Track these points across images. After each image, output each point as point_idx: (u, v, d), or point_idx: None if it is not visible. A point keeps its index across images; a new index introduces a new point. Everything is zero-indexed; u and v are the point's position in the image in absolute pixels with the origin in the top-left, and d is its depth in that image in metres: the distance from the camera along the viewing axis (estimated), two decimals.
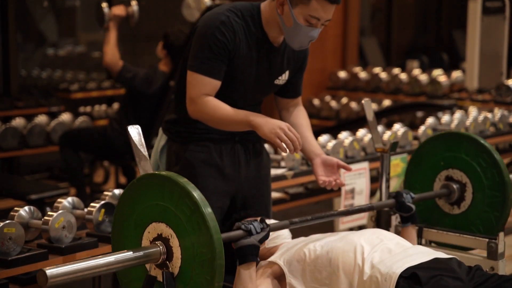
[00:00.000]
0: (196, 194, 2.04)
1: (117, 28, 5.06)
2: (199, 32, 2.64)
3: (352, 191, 3.82)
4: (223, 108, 2.62)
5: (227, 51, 2.62)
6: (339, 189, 3.79)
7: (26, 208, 2.79)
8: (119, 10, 5.03)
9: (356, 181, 3.84)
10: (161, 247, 2.10)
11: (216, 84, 2.63)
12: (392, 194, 2.87)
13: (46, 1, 7.43)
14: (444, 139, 3.04)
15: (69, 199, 2.93)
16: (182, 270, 2.08)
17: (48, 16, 7.53)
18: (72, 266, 1.94)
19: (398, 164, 4.08)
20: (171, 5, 7.85)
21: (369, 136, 4.28)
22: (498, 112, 5.22)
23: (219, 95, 2.67)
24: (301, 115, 2.91)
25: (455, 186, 2.99)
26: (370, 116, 2.94)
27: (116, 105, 6.84)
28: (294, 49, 2.70)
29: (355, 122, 6.37)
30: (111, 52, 5.00)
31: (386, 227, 2.99)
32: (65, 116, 6.01)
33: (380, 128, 4.61)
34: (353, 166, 3.84)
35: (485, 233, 2.92)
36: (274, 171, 3.74)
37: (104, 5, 5.01)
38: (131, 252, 2.08)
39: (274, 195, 3.92)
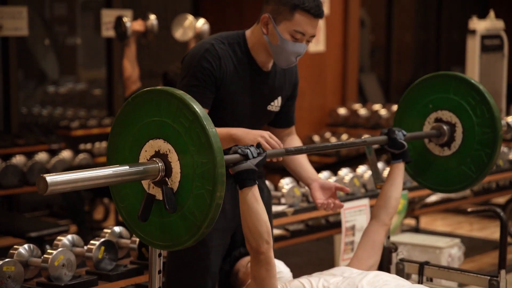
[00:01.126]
0: (195, 105, 2.03)
1: (136, 43, 5.08)
2: (186, 61, 2.70)
3: (352, 227, 3.81)
4: None
5: (213, 78, 2.65)
6: (340, 226, 3.78)
7: (26, 246, 2.78)
8: (138, 25, 5.05)
9: (357, 217, 3.83)
10: (159, 164, 2.07)
11: None
12: (384, 131, 2.87)
13: (47, 39, 7.49)
14: (431, 81, 3.04)
15: (69, 236, 2.92)
16: (182, 184, 2.06)
17: (49, 54, 7.58)
18: (71, 175, 1.92)
19: None
20: (172, 42, 7.91)
21: (369, 172, 4.28)
22: None
23: (216, 125, 2.69)
24: (295, 143, 2.94)
25: (445, 127, 2.98)
26: (370, 153, 2.94)
27: None
28: (282, 67, 2.73)
29: (355, 158, 6.37)
30: (132, 67, 5.02)
31: (387, 264, 2.97)
32: (66, 154, 6.02)
33: (380, 164, 4.61)
34: (354, 203, 3.83)
35: (476, 171, 2.92)
36: (274, 208, 3.74)
37: (126, 19, 5.02)
38: (128, 167, 2.04)
39: (274, 232, 3.90)
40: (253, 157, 2.32)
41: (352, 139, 3.04)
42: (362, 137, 4.21)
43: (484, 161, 2.91)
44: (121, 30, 5.03)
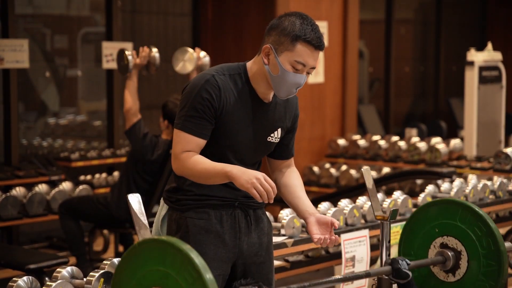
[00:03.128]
0: (199, 261, 2.04)
1: (137, 75, 5.11)
2: (186, 92, 2.71)
3: (352, 259, 3.80)
4: (203, 162, 2.66)
5: (213, 109, 2.66)
6: (340, 257, 3.77)
7: (25, 278, 2.77)
8: (141, 57, 5.08)
9: (357, 248, 3.83)
10: None
11: (200, 142, 2.68)
12: (388, 261, 2.86)
13: (48, 71, 7.53)
14: (438, 206, 3.03)
15: (68, 268, 2.91)
16: None
17: (50, 86, 7.62)
18: None
19: (398, 231, 4.07)
20: (171, 74, 7.96)
21: (368, 203, 4.28)
22: (497, 180, 5.23)
23: (216, 156, 2.71)
24: (294, 176, 2.94)
25: (450, 253, 2.97)
26: (369, 184, 2.95)
27: (116, 174, 6.85)
28: (282, 98, 2.75)
29: (354, 189, 6.37)
30: (132, 101, 5.04)
31: None
32: (65, 185, 6.02)
33: (379, 195, 4.61)
34: (353, 234, 3.83)
35: None
36: (274, 239, 3.73)
37: (129, 53, 5.06)
38: None
39: (274, 263, 3.89)
40: None
41: (355, 273, 3.03)
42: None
43: None
44: (123, 63, 5.07)
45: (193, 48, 5.18)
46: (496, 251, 2.87)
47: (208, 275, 2.02)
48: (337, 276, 2.81)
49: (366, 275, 2.81)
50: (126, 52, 5.04)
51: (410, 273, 2.81)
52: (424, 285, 3.05)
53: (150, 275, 2.13)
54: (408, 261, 2.85)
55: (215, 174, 2.64)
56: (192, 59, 5.05)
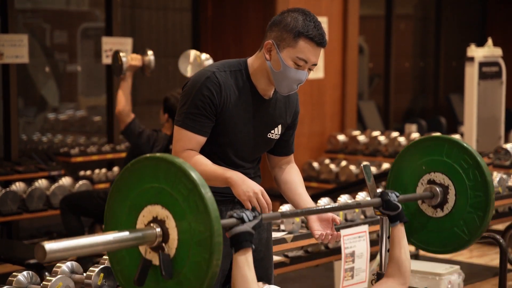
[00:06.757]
0: (193, 173, 2.04)
1: (132, 78, 5.11)
2: (186, 88, 2.71)
3: (352, 254, 3.81)
4: (204, 164, 2.66)
5: (213, 106, 2.66)
6: (339, 252, 3.77)
7: (25, 273, 2.78)
8: (135, 60, 5.08)
9: (356, 244, 3.83)
10: (157, 229, 2.08)
11: (200, 139, 2.68)
12: (378, 194, 2.88)
13: (47, 67, 7.53)
14: (425, 143, 3.05)
15: (68, 263, 2.92)
16: (179, 251, 2.06)
17: (50, 81, 7.62)
18: (70, 242, 1.92)
19: None
20: (171, 70, 7.95)
21: (368, 199, 4.28)
22: (497, 176, 5.23)
23: (216, 153, 2.71)
24: (293, 172, 2.94)
25: (438, 189, 2.99)
26: (369, 179, 2.95)
27: (116, 169, 6.85)
28: (283, 94, 2.75)
29: (354, 185, 6.38)
30: (125, 102, 5.04)
31: None
32: (65, 180, 6.03)
33: (379, 191, 4.61)
34: (353, 230, 3.83)
35: (469, 233, 2.94)
36: (273, 234, 3.73)
37: (122, 54, 5.05)
38: (128, 233, 2.05)
39: (274, 258, 3.90)
40: (249, 220, 2.33)
41: (346, 202, 3.05)
42: (356, 198, 4.22)
43: (477, 223, 2.93)
44: (117, 64, 5.06)
45: (194, 46, 5.17)
46: (483, 182, 2.90)
47: (204, 187, 2.02)
48: (332, 205, 2.84)
49: (356, 205, 2.84)
50: (120, 54, 5.04)
51: (400, 205, 2.84)
52: (413, 221, 3.07)
53: (145, 193, 2.12)
54: (397, 194, 2.88)
55: (215, 178, 2.64)
56: (199, 62, 5.05)
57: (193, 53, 5.09)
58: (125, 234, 2.05)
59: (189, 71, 5.11)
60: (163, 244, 2.08)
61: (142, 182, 2.13)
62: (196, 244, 2.02)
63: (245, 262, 2.31)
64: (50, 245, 1.87)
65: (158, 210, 2.10)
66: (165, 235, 2.09)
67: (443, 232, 2.99)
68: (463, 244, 2.97)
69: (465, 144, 2.97)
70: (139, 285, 2.11)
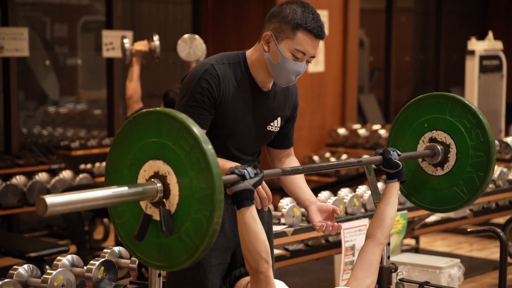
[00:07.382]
0: (196, 129, 2.03)
1: (140, 63, 5.09)
2: (185, 81, 2.71)
3: (352, 247, 3.81)
4: None
5: (212, 98, 2.66)
6: (339, 246, 3.78)
7: (25, 266, 2.78)
8: (141, 45, 5.06)
9: (357, 237, 3.83)
10: (158, 184, 2.07)
11: None
12: (379, 152, 2.87)
13: (48, 60, 7.52)
14: (428, 101, 3.02)
15: (69, 257, 2.92)
16: (180, 207, 2.05)
17: (50, 75, 7.62)
18: (71, 196, 1.92)
19: (398, 220, 4.07)
20: (171, 63, 7.95)
21: (368, 192, 4.28)
22: (497, 169, 5.23)
23: (215, 146, 2.69)
24: (293, 165, 2.94)
25: (439, 147, 2.98)
26: (369, 173, 2.95)
27: None
28: (281, 85, 2.74)
29: (355, 178, 6.38)
30: (134, 87, 5.02)
31: (387, 284, 2.97)
32: (66, 173, 6.02)
33: (379, 184, 4.61)
34: (353, 223, 3.84)
35: (468, 193, 2.93)
36: (274, 228, 3.73)
37: (126, 40, 5.04)
38: (127, 188, 2.04)
39: (274, 252, 3.90)
40: (250, 177, 2.34)
41: (348, 159, 3.04)
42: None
43: (477, 184, 2.92)
44: (123, 48, 5.07)
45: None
46: (485, 142, 2.89)
47: (206, 144, 2.01)
48: (332, 162, 2.84)
49: (357, 162, 2.82)
50: (124, 40, 5.04)
51: (400, 163, 2.84)
52: (413, 179, 3.07)
53: (146, 147, 2.10)
54: (399, 152, 2.88)
55: None
56: (200, 48, 5.03)
57: (197, 37, 5.07)
58: (125, 188, 2.04)
59: (186, 54, 5.07)
60: (164, 200, 2.07)
61: (144, 137, 2.11)
62: (197, 201, 2.01)
63: (250, 217, 2.33)
64: (51, 199, 1.87)
65: (159, 165, 2.08)
66: (166, 191, 2.07)
67: (442, 191, 2.98)
68: (462, 203, 2.96)
69: (468, 103, 2.93)
70: (139, 240, 2.10)
